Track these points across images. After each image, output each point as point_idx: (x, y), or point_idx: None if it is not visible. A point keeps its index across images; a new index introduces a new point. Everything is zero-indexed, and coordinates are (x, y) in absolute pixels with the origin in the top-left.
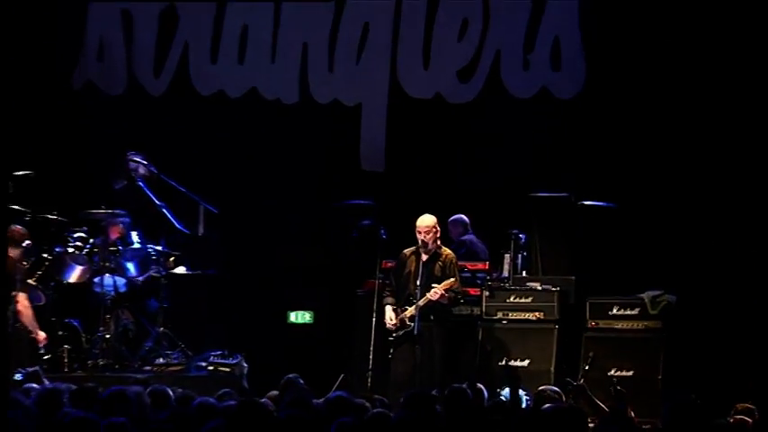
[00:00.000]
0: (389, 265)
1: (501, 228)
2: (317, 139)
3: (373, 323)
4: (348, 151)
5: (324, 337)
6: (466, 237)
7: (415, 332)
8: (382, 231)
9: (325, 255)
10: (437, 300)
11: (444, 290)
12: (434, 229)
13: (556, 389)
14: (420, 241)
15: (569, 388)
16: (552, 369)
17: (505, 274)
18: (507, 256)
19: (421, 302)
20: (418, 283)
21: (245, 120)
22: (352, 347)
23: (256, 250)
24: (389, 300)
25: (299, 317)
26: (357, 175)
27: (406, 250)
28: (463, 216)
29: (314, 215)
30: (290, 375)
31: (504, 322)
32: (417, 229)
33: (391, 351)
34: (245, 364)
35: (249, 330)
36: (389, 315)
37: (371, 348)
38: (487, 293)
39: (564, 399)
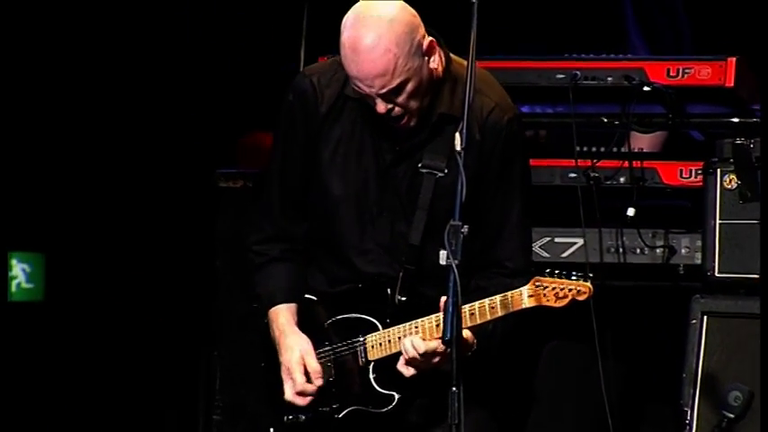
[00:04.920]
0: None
1: None
2: None
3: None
4: None
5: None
6: None
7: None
8: None
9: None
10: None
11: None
12: (409, 67)
13: None
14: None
15: None
16: None
17: None
18: None
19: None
20: (382, 225)
21: None
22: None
23: None
24: (277, 282)
25: None
26: None
27: (321, 82)
28: None
29: None
30: None
31: None
32: (353, 80)
33: None
34: None
35: None
36: (293, 352)
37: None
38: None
39: None
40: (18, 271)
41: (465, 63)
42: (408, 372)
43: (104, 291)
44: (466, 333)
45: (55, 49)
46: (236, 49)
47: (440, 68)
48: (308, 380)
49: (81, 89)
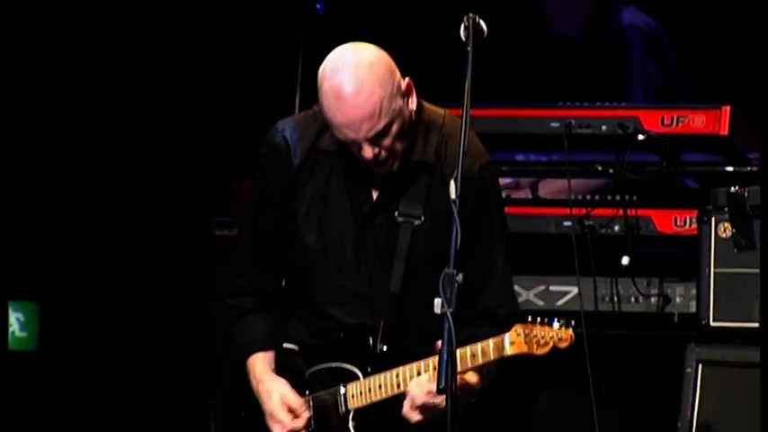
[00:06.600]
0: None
1: None
2: None
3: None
4: None
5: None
6: (626, 18)
7: None
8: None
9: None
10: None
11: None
12: (393, 108)
13: None
14: (361, 155)
15: None
16: None
17: None
18: None
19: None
20: (357, 281)
21: None
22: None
23: None
24: (254, 333)
25: None
26: None
27: (299, 136)
28: None
29: None
30: None
31: None
32: (339, 128)
33: None
34: None
35: None
36: (272, 397)
37: None
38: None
39: None
40: (12, 320)
41: (436, 110)
42: (414, 416)
43: (99, 340)
44: (472, 377)
45: (41, 92)
46: (232, 96)
47: (415, 111)
48: (295, 416)
49: (76, 137)
